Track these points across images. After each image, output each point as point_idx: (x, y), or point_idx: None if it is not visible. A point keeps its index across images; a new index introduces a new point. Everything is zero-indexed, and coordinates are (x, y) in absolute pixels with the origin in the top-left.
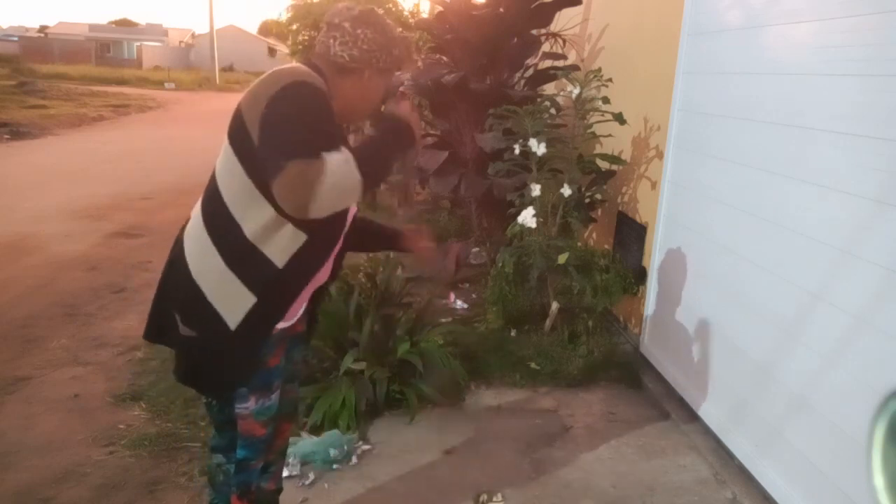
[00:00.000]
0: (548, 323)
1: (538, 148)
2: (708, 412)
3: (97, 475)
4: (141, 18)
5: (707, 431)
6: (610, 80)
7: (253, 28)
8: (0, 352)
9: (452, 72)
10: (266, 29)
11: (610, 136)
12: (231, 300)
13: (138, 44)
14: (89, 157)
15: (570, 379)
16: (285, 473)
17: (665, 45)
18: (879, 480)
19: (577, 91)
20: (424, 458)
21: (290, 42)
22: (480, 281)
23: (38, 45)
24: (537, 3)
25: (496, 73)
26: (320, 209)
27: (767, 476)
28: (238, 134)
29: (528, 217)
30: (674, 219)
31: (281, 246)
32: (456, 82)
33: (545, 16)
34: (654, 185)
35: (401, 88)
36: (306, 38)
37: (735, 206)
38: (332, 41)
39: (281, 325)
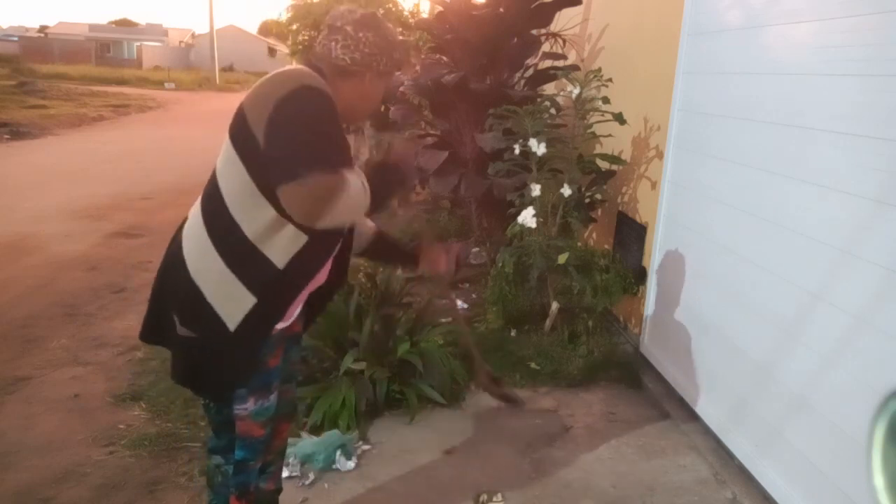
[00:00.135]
0: (548, 323)
1: (538, 148)
2: (708, 412)
3: (97, 475)
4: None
5: (707, 431)
6: (610, 80)
7: (253, 28)
8: (0, 352)
9: (452, 72)
10: (266, 29)
11: (610, 136)
12: (230, 301)
13: (138, 44)
14: (89, 157)
15: (570, 379)
16: (285, 474)
17: (665, 45)
18: (879, 480)
19: (577, 91)
20: (424, 458)
21: (290, 42)
22: (480, 281)
23: (38, 45)
24: (537, 3)
25: (496, 73)
26: (328, 223)
27: (767, 476)
28: (240, 134)
29: (528, 217)
30: (674, 219)
31: (281, 247)
32: (456, 82)
33: (545, 16)
34: (654, 185)
35: (401, 88)
36: (306, 38)
37: (735, 206)
38: (333, 44)
39: (279, 325)
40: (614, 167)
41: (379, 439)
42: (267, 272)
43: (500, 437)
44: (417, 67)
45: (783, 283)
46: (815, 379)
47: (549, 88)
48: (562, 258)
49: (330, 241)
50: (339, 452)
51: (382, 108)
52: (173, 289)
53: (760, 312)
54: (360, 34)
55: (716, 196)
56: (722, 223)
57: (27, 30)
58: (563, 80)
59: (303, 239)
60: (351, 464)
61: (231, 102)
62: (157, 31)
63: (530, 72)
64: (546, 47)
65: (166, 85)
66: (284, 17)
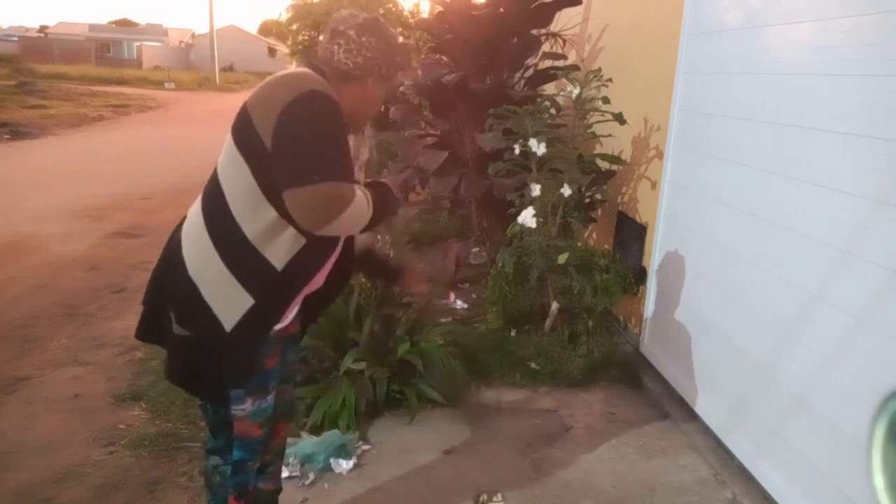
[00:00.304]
0: (548, 323)
1: (538, 148)
2: (708, 412)
3: (97, 475)
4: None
5: (707, 431)
6: (610, 80)
7: (253, 28)
8: (0, 352)
9: (452, 72)
10: (266, 29)
11: (610, 136)
12: (228, 301)
13: (138, 44)
14: (89, 157)
15: (570, 379)
16: (285, 474)
17: (665, 45)
18: (879, 480)
19: (577, 91)
20: (424, 458)
21: (290, 42)
22: (480, 281)
23: (38, 45)
24: (537, 3)
25: (496, 73)
26: (330, 230)
27: (767, 476)
28: (244, 135)
29: (528, 217)
30: (674, 219)
31: (281, 248)
32: (456, 82)
33: (545, 16)
34: (654, 185)
35: (401, 88)
36: (306, 38)
37: (735, 206)
38: (336, 48)
39: (276, 326)
40: (614, 167)
41: (379, 439)
42: (265, 273)
43: (500, 437)
44: (419, 71)
45: (783, 283)
46: (815, 379)
47: (549, 88)
48: (562, 258)
49: (328, 245)
50: (338, 453)
51: (382, 108)
52: (171, 287)
53: (760, 312)
54: (363, 38)
55: (716, 196)
56: (722, 223)
57: (27, 30)
58: (563, 80)
59: (301, 241)
60: (350, 464)
61: (231, 102)
62: (157, 31)
63: (530, 72)
64: (546, 47)
65: (166, 85)
66: (284, 17)
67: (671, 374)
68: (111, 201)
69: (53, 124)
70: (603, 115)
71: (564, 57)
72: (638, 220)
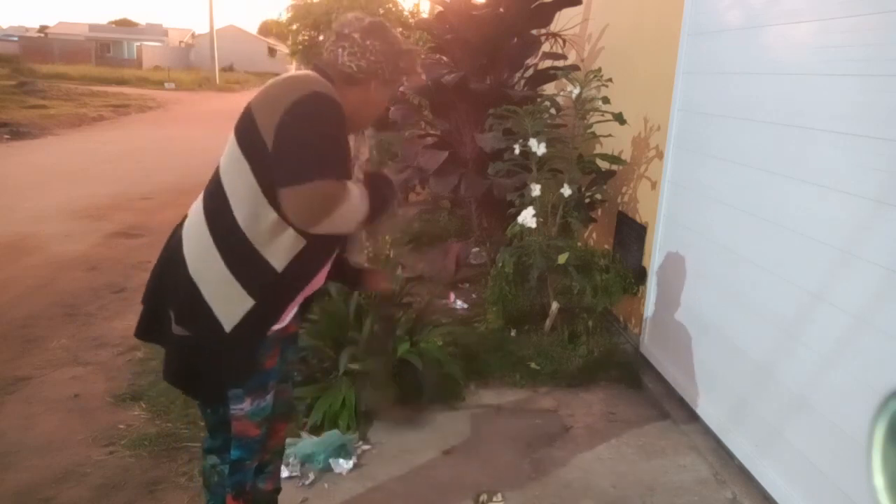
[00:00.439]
0: (548, 323)
1: (538, 148)
2: (708, 412)
3: (97, 475)
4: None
5: (707, 431)
6: (610, 80)
7: (253, 28)
8: (0, 352)
9: (452, 72)
10: (266, 29)
11: (610, 136)
12: (229, 302)
13: (138, 44)
14: (89, 157)
15: (570, 379)
16: (285, 474)
17: (665, 45)
18: (879, 480)
19: (577, 91)
20: (424, 458)
21: (290, 42)
22: (480, 281)
23: (38, 45)
24: (537, 3)
25: (496, 73)
26: (324, 229)
27: (767, 476)
28: (247, 135)
29: (528, 217)
30: (674, 219)
31: (281, 250)
32: (456, 82)
33: (545, 16)
34: (654, 185)
35: (401, 88)
36: (306, 38)
37: (735, 206)
38: (340, 51)
39: (275, 326)
40: (614, 167)
41: (379, 439)
42: (265, 275)
43: (500, 437)
44: (423, 76)
45: (783, 283)
46: (815, 379)
47: (549, 88)
48: (562, 258)
49: (329, 246)
50: (338, 453)
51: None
52: (172, 286)
53: (760, 312)
54: (367, 42)
55: (716, 196)
56: (722, 223)
57: (27, 30)
58: (563, 80)
59: (302, 243)
60: (350, 464)
61: (231, 102)
62: (157, 31)
63: (530, 72)
64: (546, 47)
65: (166, 85)
66: (284, 17)
67: (671, 374)
68: (111, 201)
69: (53, 124)
70: (603, 115)
71: (564, 57)
72: (638, 220)
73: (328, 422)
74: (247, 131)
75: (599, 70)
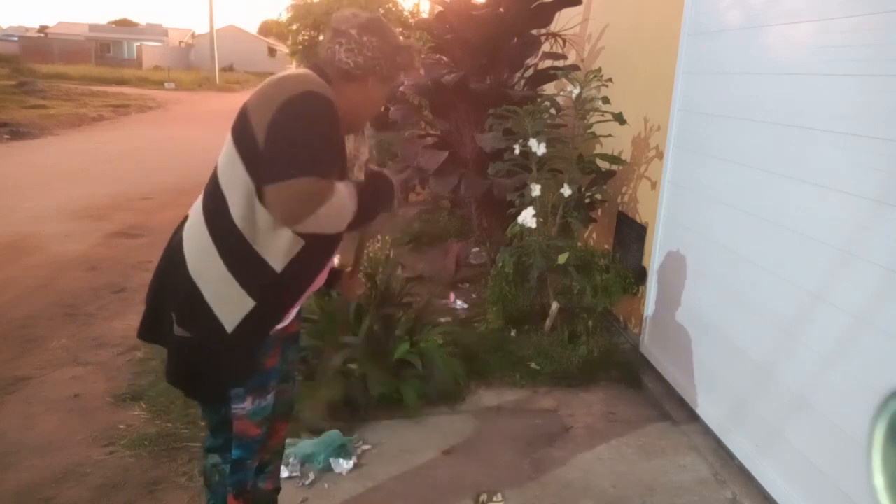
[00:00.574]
0: (548, 323)
1: (538, 148)
2: (708, 412)
3: (97, 475)
4: (141, 18)
5: (707, 431)
6: (610, 80)
7: (253, 28)
8: (0, 352)
9: (452, 72)
10: (266, 29)
11: (610, 136)
12: (229, 303)
13: (138, 44)
14: (89, 157)
15: (570, 379)
16: (285, 474)
17: (665, 45)
18: (879, 480)
19: (577, 91)
20: (424, 458)
21: (290, 42)
22: (480, 281)
23: (38, 45)
24: (537, 3)
25: (496, 73)
26: (307, 227)
27: (767, 476)
28: (242, 135)
29: (528, 217)
30: (674, 219)
31: (280, 250)
32: (456, 82)
33: (545, 16)
34: (654, 185)
35: (401, 88)
36: (306, 38)
37: (735, 206)
38: (337, 47)
39: (276, 326)
40: (614, 167)
41: (379, 439)
42: (265, 275)
43: (500, 437)
44: (422, 72)
45: (783, 283)
46: (815, 379)
47: (549, 88)
48: (562, 258)
49: (328, 246)
50: (338, 453)
51: (382, 108)
52: (172, 287)
53: (760, 312)
54: (365, 38)
55: (716, 196)
56: (722, 223)
57: (27, 30)
58: (563, 80)
59: (300, 243)
60: (350, 464)
61: (231, 102)
62: (157, 31)
63: (530, 72)
64: (546, 47)
65: (166, 85)
66: (284, 17)
67: (671, 374)
68: (111, 201)
69: (53, 124)
70: (603, 115)
71: (564, 57)
72: (638, 220)
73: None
74: (242, 131)
75: (599, 70)
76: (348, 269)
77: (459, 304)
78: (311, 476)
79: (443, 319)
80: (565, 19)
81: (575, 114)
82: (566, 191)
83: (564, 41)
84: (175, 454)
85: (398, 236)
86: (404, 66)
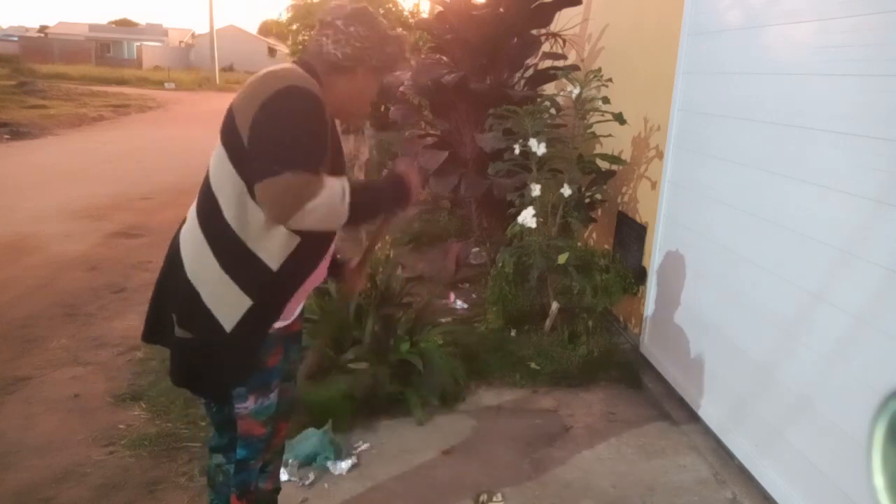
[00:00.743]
0: (548, 323)
1: (538, 148)
2: (708, 412)
3: (97, 475)
4: (141, 18)
5: (707, 431)
6: (610, 80)
7: (253, 28)
8: (0, 352)
9: (452, 72)
10: (266, 29)
11: (610, 136)
12: (227, 303)
13: (138, 44)
14: (89, 157)
15: (570, 379)
16: (285, 475)
17: (665, 45)
18: (879, 480)
19: (577, 91)
20: (424, 457)
21: (290, 42)
22: (480, 281)
23: (38, 45)
24: (537, 3)
25: (496, 73)
26: (299, 223)
27: (767, 476)
28: (230, 135)
29: (528, 217)
30: (674, 219)
31: (275, 249)
32: (456, 82)
33: (545, 16)
34: (654, 185)
35: (401, 88)
36: (306, 38)
37: (735, 206)
38: (324, 39)
39: (278, 324)
40: (614, 167)
41: (379, 439)
42: (261, 274)
43: (500, 437)
44: (412, 62)
45: (783, 283)
46: (815, 379)
47: (549, 88)
48: (562, 258)
49: (323, 243)
50: (337, 453)
51: (382, 108)
52: (173, 289)
53: (760, 312)
54: (351, 28)
55: (716, 196)
56: (722, 223)
57: (27, 30)
58: (563, 80)
59: (296, 241)
60: (349, 464)
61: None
62: (157, 31)
63: (530, 72)
64: (546, 47)
65: (166, 85)
66: (284, 17)
67: (671, 374)
68: (111, 201)
69: (53, 124)
70: (603, 115)
71: (564, 57)
72: (638, 220)
73: (329, 421)
74: (229, 131)
75: (599, 70)
76: (355, 262)
77: (459, 304)
78: (311, 476)
79: (443, 319)
80: (565, 19)
81: (575, 114)
82: (566, 191)
83: (564, 41)
84: (175, 454)
85: (398, 236)
86: (394, 55)
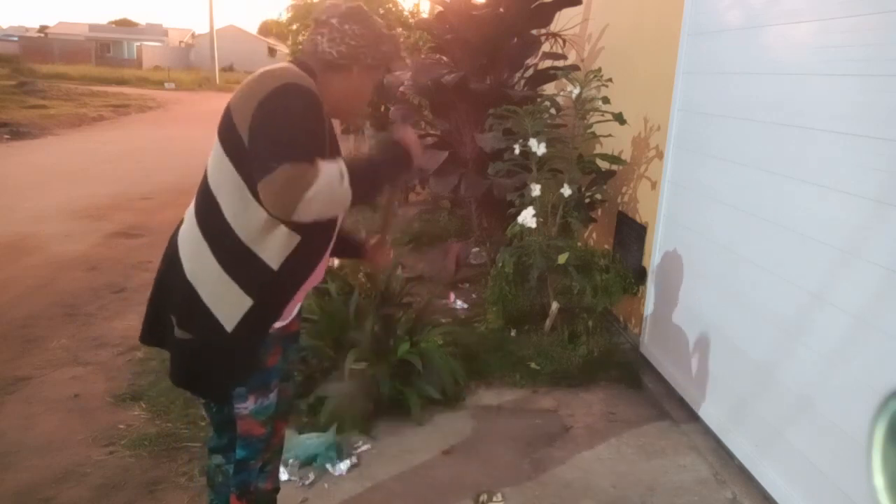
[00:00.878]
0: (548, 323)
1: (538, 148)
2: (708, 412)
3: (97, 475)
4: (141, 18)
5: (707, 431)
6: (610, 80)
7: (253, 28)
8: (0, 352)
9: (452, 72)
10: (266, 29)
11: (610, 136)
12: (227, 303)
13: (138, 44)
14: (89, 157)
15: (570, 379)
16: (284, 475)
17: (665, 45)
18: (879, 480)
19: (577, 91)
20: (424, 457)
21: (290, 42)
22: (480, 281)
23: (38, 45)
24: (537, 3)
25: (496, 73)
26: (305, 214)
27: (767, 476)
28: (228, 134)
29: (528, 217)
30: (674, 219)
31: (275, 248)
32: (456, 82)
33: (545, 16)
34: (654, 185)
35: (401, 88)
36: (306, 38)
37: (735, 206)
38: (319, 38)
39: (277, 324)
40: (614, 167)
41: (379, 439)
42: (262, 274)
43: (500, 437)
44: (408, 61)
45: (783, 283)
46: (815, 379)
47: (549, 88)
48: (562, 258)
49: (323, 240)
50: (337, 453)
51: (382, 108)
52: (171, 291)
53: (760, 312)
54: (346, 26)
55: (716, 196)
56: (722, 223)
57: (27, 30)
58: (563, 80)
59: (296, 239)
60: (349, 464)
61: None
62: (157, 31)
63: (530, 72)
64: (546, 47)
65: (166, 85)
66: (284, 17)
67: (671, 374)
68: (111, 201)
69: (53, 124)
70: (603, 115)
71: (564, 57)
72: (638, 220)
73: (334, 422)
74: (227, 130)
75: (599, 70)
76: (375, 238)
77: (459, 304)
78: (311, 476)
79: (443, 319)
80: (565, 19)
81: (575, 114)
82: (566, 191)
83: (564, 41)
84: (175, 454)
85: (398, 236)
86: (389, 54)
